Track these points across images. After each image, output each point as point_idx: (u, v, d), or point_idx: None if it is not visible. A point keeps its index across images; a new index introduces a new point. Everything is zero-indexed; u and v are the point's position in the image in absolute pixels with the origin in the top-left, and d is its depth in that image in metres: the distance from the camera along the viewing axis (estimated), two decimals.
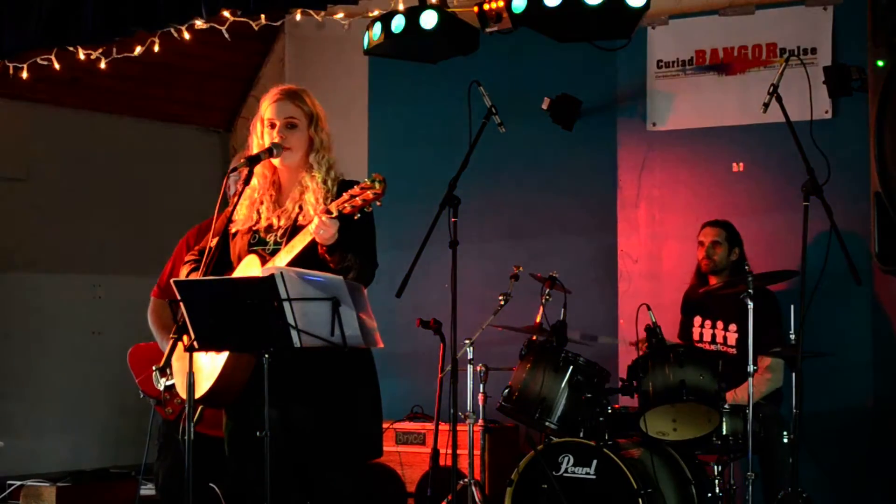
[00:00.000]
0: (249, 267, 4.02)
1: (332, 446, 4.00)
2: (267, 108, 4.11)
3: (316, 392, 3.99)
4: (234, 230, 4.14)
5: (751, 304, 5.19)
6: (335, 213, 3.78)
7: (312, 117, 4.10)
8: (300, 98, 4.11)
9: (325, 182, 4.03)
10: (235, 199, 4.08)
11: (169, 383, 4.98)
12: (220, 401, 4.06)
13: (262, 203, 4.11)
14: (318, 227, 3.80)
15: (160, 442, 5.05)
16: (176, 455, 4.94)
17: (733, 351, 5.79)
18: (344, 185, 4.00)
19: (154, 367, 5.03)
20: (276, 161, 4.08)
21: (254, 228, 4.10)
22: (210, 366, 3.97)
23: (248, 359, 3.96)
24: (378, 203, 3.75)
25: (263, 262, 3.95)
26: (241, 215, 4.12)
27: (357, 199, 3.75)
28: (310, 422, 3.97)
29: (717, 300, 5.92)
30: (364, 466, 4.28)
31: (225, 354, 3.95)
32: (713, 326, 5.95)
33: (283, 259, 3.92)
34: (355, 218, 3.79)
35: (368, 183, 3.74)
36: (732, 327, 5.83)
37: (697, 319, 6.04)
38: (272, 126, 4.08)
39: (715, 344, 5.86)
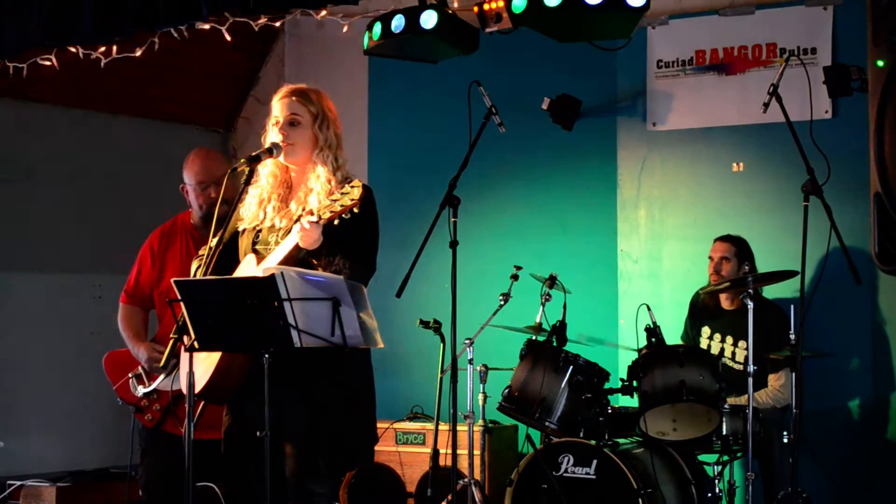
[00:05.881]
0: (248, 266, 4.03)
1: (318, 452, 4.00)
2: (274, 105, 4.14)
3: (309, 393, 3.99)
4: (241, 227, 4.16)
5: (750, 305, 5.19)
6: (316, 218, 3.80)
7: (318, 116, 4.11)
8: (306, 96, 4.12)
9: (329, 182, 4.03)
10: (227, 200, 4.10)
11: (147, 390, 4.98)
12: (219, 396, 4.06)
13: (269, 202, 4.12)
14: (299, 232, 3.83)
15: (142, 446, 5.05)
16: (158, 458, 4.95)
17: (739, 367, 5.77)
18: None
19: (130, 374, 5.04)
20: (281, 159, 4.09)
21: (258, 228, 4.11)
22: (207, 361, 3.98)
23: (244, 354, 3.97)
24: (356, 209, 3.77)
25: (260, 262, 3.97)
26: (250, 213, 4.13)
27: (336, 204, 3.78)
28: (302, 423, 3.97)
29: (727, 314, 5.93)
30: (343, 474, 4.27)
31: None
32: (722, 341, 5.94)
33: (270, 261, 3.93)
34: (335, 224, 3.80)
35: (348, 188, 3.79)
36: (742, 344, 5.81)
37: (706, 331, 6.03)
38: (276, 124, 4.10)
39: (722, 358, 5.83)
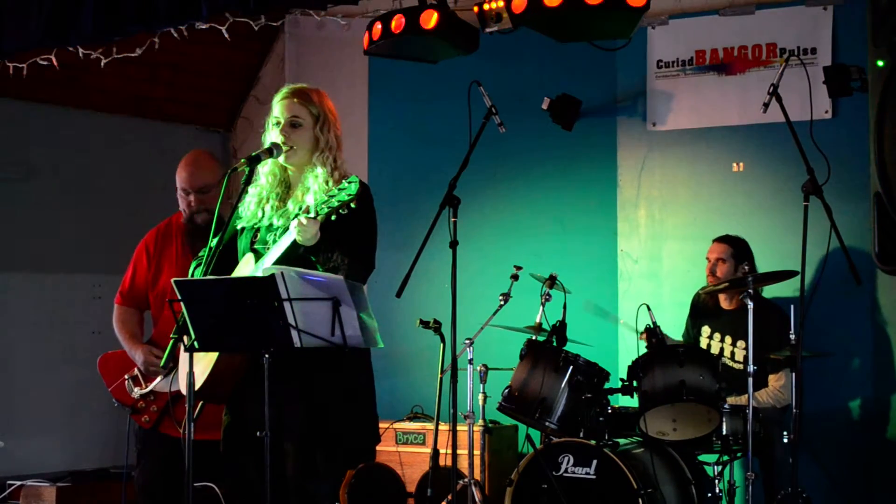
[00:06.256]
0: (246, 266, 4.03)
1: (319, 451, 4.01)
2: (275, 105, 4.14)
3: (309, 393, 3.99)
4: (240, 226, 4.16)
5: (750, 305, 5.19)
6: (313, 214, 3.80)
7: (319, 117, 4.11)
8: (307, 98, 4.12)
9: (327, 183, 4.03)
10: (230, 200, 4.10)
11: (143, 392, 4.98)
12: (217, 395, 4.06)
13: (268, 201, 4.13)
14: (296, 228, 3.83)
15: (138, 448, 5.04)
16: (155, 460, 4.94)
17: (739, 367, 5.77)
18: None
19: (126, 376, 5.03)
20: (281, 159, 4.10)
21: (257, 227, 4.12)
22: (204, 359, 3.98)
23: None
24: (353, 204, 3.77)
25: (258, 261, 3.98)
26: (248, 212, 4.14)
27: (333, 199, 3.78)
28: (302, 423, 3.98)
29: (727, 314, 5.93)
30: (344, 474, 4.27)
31: None
32: (721, 341, 5.94)
33: (268, 259, 3.93)
34: (332, 219, 3.80)
35: (345, 184, 3.79)
36: (741, 343, 5.81)
37: (706, 330, 6.03)
38: (277, 124, 4.10)
39: (722, 358, 5.82)
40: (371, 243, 4.09)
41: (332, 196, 3.81)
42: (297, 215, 3.98)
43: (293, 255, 3.91)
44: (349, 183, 3.79)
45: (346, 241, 3.94)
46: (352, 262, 3.93)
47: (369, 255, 4.07)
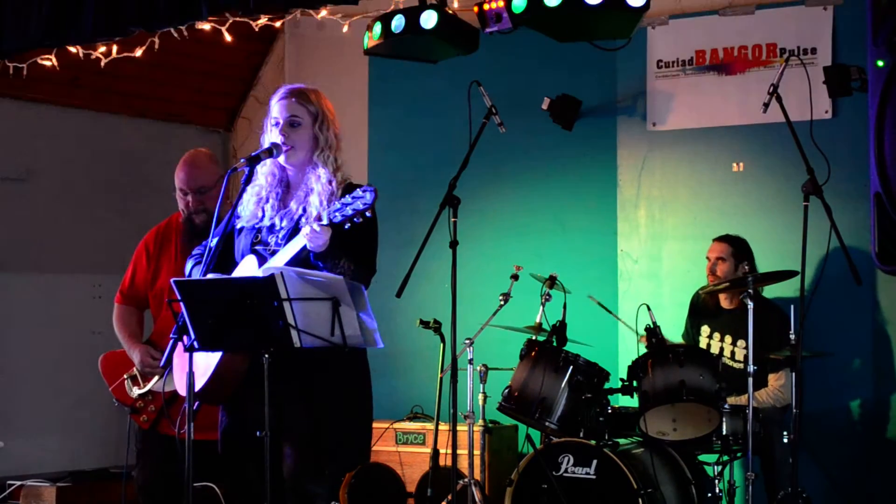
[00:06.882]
0: (247, 268, 4.03)
1: (319, 452, 4.01)
2: (273, 106, 4.14)
3: (309, 393, 3.99)
4: (239, 226, 4.16)
5: (750, 305, 5.19)
6: (326, 222, 3.80)
7: (318, 116, 4.11)
8: (305, 97, 4.13)
9: (329, 183, 4.03)
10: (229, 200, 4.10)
11: (141, 391, 4.98)
12: (217, 397, 4.06)
13: (267, 201, 4.12)
14: (308, 235, 3.82)
15: (138, 448, 5.04)
16: (154, 460, 4.94)
17: (739, 366, 5.77)
18: (349, 189, 4.00)
19: (125, 376, 5.03)
20: (281, 160, 4.09)
21: (257, 227, 4.11)
22: (205, 362, 3.98)
23: (244, 355, 3.97)
24: (368, 213, 3.76)
25: (261, 263, 3.96)
26: (247, 212, 4.13)
27: (348, 208, 3.77)
28: (302, 424, 3.98)
29: (727, 314, 5.93)
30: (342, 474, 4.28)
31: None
32: (721, 340, 5.94)
33: (275, 262, 3.93)
34: (345, 227, 3.80)
35: (360, 193, 3.77)
36: (741, 343, 5.81)
37: (705, 330, 6.03)
38: (276, 124, 4.10)
39: (722, 357, 5.82)
40: (375, 249, 4.10)
41: (346, 204, 3.78)
42: (300, 216, 3.98)
43: (302, 260, 3.90)
44: (364, 192, 3.77)
45: (354, 247, 3.94)
46: (357, 267, 3.94)
47: (374, 261, 4.09)
